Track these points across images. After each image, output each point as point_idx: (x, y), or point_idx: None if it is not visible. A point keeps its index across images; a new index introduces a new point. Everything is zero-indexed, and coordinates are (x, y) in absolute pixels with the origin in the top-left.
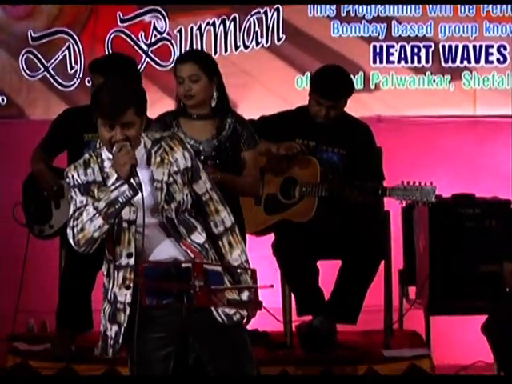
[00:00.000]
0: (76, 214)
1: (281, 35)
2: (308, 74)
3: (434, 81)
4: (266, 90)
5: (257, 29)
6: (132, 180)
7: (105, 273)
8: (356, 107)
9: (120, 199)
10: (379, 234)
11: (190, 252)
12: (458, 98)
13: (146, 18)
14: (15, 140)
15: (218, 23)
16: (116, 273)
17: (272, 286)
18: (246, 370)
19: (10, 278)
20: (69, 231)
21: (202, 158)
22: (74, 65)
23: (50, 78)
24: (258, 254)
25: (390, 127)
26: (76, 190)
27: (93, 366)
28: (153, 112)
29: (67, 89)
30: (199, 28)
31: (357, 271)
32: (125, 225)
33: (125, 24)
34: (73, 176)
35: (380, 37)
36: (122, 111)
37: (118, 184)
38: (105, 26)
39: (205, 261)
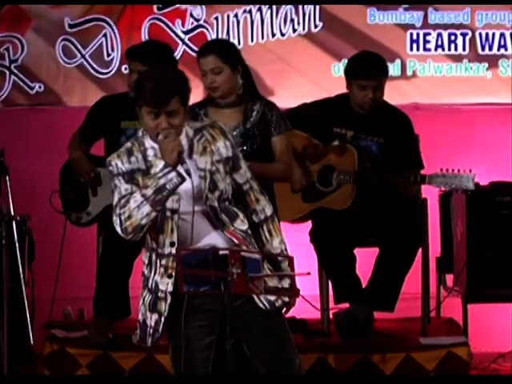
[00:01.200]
0: (122, 201)
1: (317, 22)
2: (344, 60)
3: (471, 68)
4: (303, 77)
5: (293, 16)
6: (180, 167)
7: (146, 261)
8: (393, 95)
9: (168, 186)
10: (417, 222)
11: (234, 239)
12: (495, 86)
13: (183, 5)
14: (52, 127)
15: (254, 10)
16: (158, 261)
17: (309, 274)
18: (289, 356)
19: (48, 265)
20: (115, 218)
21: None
22: (110, 52)
23: (87, 66)
24: (296, 242)
25: (427, 115)
26: (120, 177)
27: (130, 354)
28: (191, 99)
29: (104, 76)
30: (236, 15)
31: (394, 259)
32: (168, 213)
33: (161, 11)
34: (116, 164)
35: (417, 24)
36: (167, 99)
37: (165, 171)
38: (142, 13)
39: (250, 247)
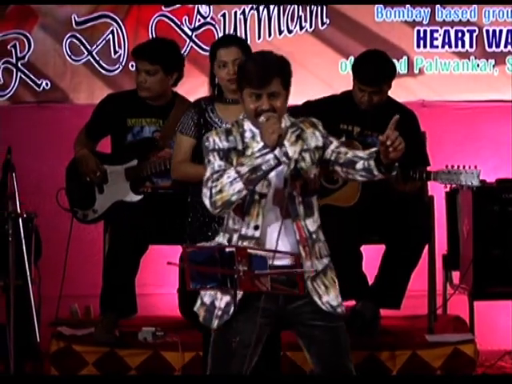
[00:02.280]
0: (215, 176)
1: (325, 19)
2: (351, 58)
3: (478, 65)
4: (310, 74)
5: (301, 13)
6: (278, 150)
7: (224, 243)
8: (400, 92)
9: (263, 167)
10: (423, 219)
11: (297, 234)
12: (502, 83)
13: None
14: (59, 124)
15: (261, 8)
16: (240, 243)
17: (316, 271)
18: (344, 362)
19: (54, 263)
20: (205, 191)
21: None
22: (117, 49)
23: (94, 63)
24: None
25: (434, 112)
26: (215, 153)
27: (136, 351)
28: (196, 96)
29: (111, 73)
30: (243, 12)
31: (401, 256)
32: (256, 197)
33: (169, 9)
34: (214, 140)
35: (424, 21)
36: (269, 80)
37: (264, 152)
38: (149, 10)
39: (306, 249)
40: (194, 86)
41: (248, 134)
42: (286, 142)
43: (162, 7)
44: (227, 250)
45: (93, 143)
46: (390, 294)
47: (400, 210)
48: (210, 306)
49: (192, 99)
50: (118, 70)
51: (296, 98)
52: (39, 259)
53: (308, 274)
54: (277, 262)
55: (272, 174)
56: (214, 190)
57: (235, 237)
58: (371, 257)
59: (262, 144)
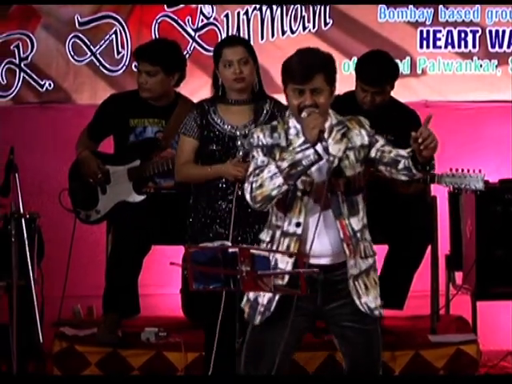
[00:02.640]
0: (256, 171)
1: (328, 20)
2: (354, 58)
3: (481, 66)
4: None
5: (304, 14)
6: (319, 145)
7: (267, 239)
8: (403, 92)
9: (304, 162)
10: (426, 219)
11: (341, 232)
12: (505, 83)
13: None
14: (62, 125)
15: (264, 8)
16: (282, 239)
17: (318, 272)
18: (374, 364)
19: (57, 263)
20: (246, 186)
21: (239, 143)
22: (120, 49)
23: (97, 63)
24: None
25: (437, 112)
26: (259, 149)
27: (139, 351)
28: (199, 97)
29: (114, 73)
30: (246, 13)
31: (403, 256)
32: (298, 194)
33: (171, 9)
34: (258, 136)
35: (427, 22)
36: (311, 76)
37: (304, 147)
38: (152, 10)
39: (350, 247)
40: (196, 87)
41: (292, 131)
42: (330, 140)
43: (165, 7)
44: (230, 250)
45: (95, 144)
46: (392, 294)
47: (403, 210)
48: (253, 303)
49: (195, 99)
50: (121, 71)
51: None
52: (42, 260)
53: (312, 274)
54: (314, 261)
55: (314, 171)
56: (254, 185)
57: (278, 233)
58: None
59: (303, 139)
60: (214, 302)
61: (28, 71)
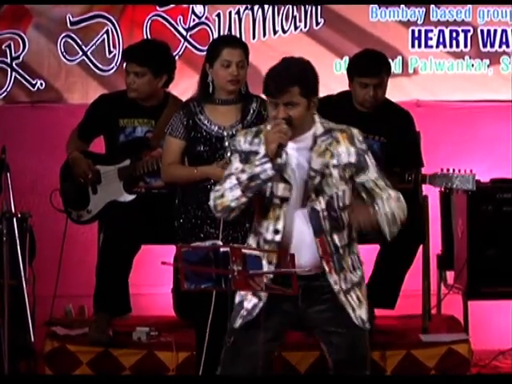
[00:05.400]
0: (224, 179)
1: (319, 20)
2: (346, 58)
3: (473, 65)
4: None
5: (295, 13)
6: (279, 160)
7: (254, 245)
8: (394, 92)
9: (261, 176)
10: (417, 219)
11: (320, 250)
12: (497, 83)
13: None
14: (53, 124)
15: (256, 8)
16: (265, 247)
17: (310, 271)
18: (361, 372)
19: (49, 262)
20: (211, 194)
21: (226, 143)
22: (112, 49)
23: (89, 63)
24: None
25: (429, 112)
26: (237, 155)
27: (131, 351)
28: (190, 96)
29: (105, 73)
30: (238, 12)
31: (395, 256)
32: (276, 201)
33: (163, 8)
34: (239, 141)
35: (418, 21)
36: (284, 89)
37: (263, 160)
38: (143, 10)
39: (330, 264)
40: (188, 86)
41: None
42: (312, 153)
43: (157, 7)
44: (221, 249)
45: (85, 144)
46: (384, 293)
47: None
48: (237, 306)
49: (185, 99)
50: (113, 70)
51: None
52: (33, 259)
53: (300, 273)
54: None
55: (295, 178)
56: (217, 194)
57: (261, 240)
58: (365, 257)
59: (264, 152)
60: (206, 301)
61: (19, 71)
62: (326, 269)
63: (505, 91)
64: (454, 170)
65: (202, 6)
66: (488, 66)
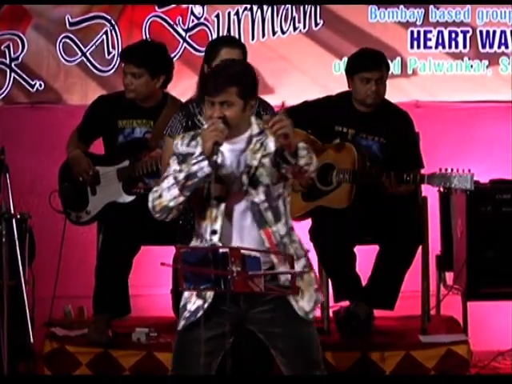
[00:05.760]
0: (162, 180)
1: (318, 20)
2: (345, 59)
3: (472, 66)
4: (303, 75)
5: (294, 14)
6: (215, 157)
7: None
8: (393, 93)
9: (198, 174)
10: (416, 220)
11: (267, 242)
12: (496, 84)
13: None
14: (53, 125)
15: (255, 8)
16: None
17: (309, 272)
18: (312, 366)
19: (48, 263)
20: (149, 196)
21: None
22: (111, 50)
23: (88, 63)
24: None
25: (428, 112)
26: (175, 157)
27: (130, 352)
28: (189, 97)
29: (104, 74)
30: (237, 13)
31: (394, 257)
32: (213, 202)
33: (162, 9)
34: (177, 144)
35: (417, 22)
36: (221, 89)
37: (199, 159)
38: (142, 11)
39: (280, 257)
40: (187, 87)
41: None
42: (248, 151)
43: (156, 8)
44: (220, 250)
45: (85, 145)
46: (383, 294)
47: (393, 210)
48: (181, 309)
49: (184, 100)
50: (112, 71)
51: (289, 98)
52: (33, 260)
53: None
54: None
55: (230, 178)
56: (155, 195)
57: (203, 242)
58: (365, 257)
59: (200, 151)
60: None
61: (19, 71)
62: (275, 261)
63: (504, 92)
64: (452, 170)
65: (200, 7)
66: (487, 67)
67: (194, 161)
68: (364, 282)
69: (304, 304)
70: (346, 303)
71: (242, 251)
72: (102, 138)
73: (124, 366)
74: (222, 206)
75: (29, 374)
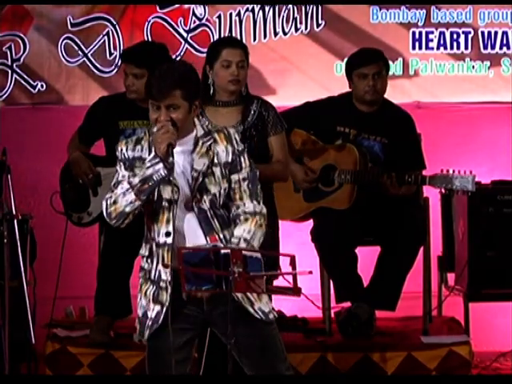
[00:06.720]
0: (113, 187)
1: (320, 21)
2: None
3: (473, 67)
4: (305, 76)
5: (296, 15)
6: (170, 160)
7: (146, 254)
8: (395, 93)
9: (154, 177)
10: (418, 220)
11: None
12: (497, 85)
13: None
14: (54, 126)
15: (257, 9)
16: (157, 251)
17: (311, 273)
18: (276, 368)
19: (50, 264)
20: (103, 203)
21: None
22: (112, 51)
23: (89, 64)
24: (298, 241)
25: (429, 113)
26: (122, 163)
27: (131, 353)
28: None
29: (106, 75)
30: (238, 14)
31: (396, 258)
32: (165, 204)
33: (164, 10)
34: (121, 150)
35: (419, 23)
36: (166, 93)
37: (153, 162)
38: (144, 12)
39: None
40: None
41: None
42: (195, 154)
43: (157, 9)
44: (222, 251)
45: (86, 147)
46: (385, 295)
47: (395, 211)
48: (142, 318)
49: None
50: (113, 72)
51: (291, 99)
52: (34, 261)
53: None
54: None
55: (180, 180)
56: (109, 202)
57: (154, 246)
58: (367, 258)
59: (153, 154)
60: None
61: (20, 72)
62: None
63: (505, 93)
64: (453, 171)
65: (202, 8)
66: (489, 68)
67: (149, 164)
68: (365, 283)
69: (261, 305)
70: (347, 304)
71: (243, 252)
72: (103, 139)
73: (125, 366)
74: (174, 207)
75: (30, 374)
